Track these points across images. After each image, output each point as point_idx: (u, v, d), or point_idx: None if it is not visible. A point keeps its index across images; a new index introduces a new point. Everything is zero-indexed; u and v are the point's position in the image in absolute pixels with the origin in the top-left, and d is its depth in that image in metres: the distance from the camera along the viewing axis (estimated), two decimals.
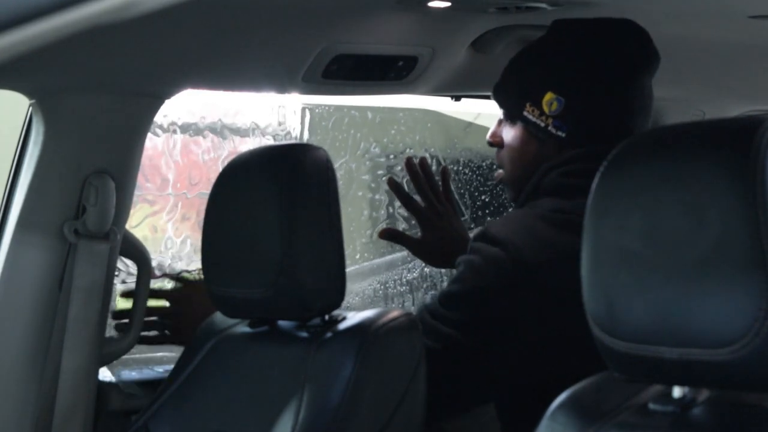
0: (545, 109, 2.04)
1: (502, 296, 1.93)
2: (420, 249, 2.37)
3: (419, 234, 2.38)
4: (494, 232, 1.97)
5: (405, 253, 3.05)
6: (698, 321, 1.18)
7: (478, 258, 1.96)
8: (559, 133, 2.04)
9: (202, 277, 2.07)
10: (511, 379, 1.99)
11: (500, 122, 2.15)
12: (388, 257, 3.23)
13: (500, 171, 2.17)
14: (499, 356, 1.95)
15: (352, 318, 1.93)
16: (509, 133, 2.12)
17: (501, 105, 2.14)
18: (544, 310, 1.91)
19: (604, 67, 2.03)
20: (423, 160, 2.39)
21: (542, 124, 2.05)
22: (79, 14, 0.78)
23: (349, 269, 2.04)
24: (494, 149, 2.17)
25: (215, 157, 2.84)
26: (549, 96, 2.04)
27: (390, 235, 2.41)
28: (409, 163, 2.37)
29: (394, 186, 2.38)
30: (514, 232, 1.96)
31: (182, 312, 2.36)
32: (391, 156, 3.18)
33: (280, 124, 2.96)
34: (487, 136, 2.16)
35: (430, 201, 2.36)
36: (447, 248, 2.32)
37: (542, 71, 2.06)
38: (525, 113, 2.06)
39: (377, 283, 3.26)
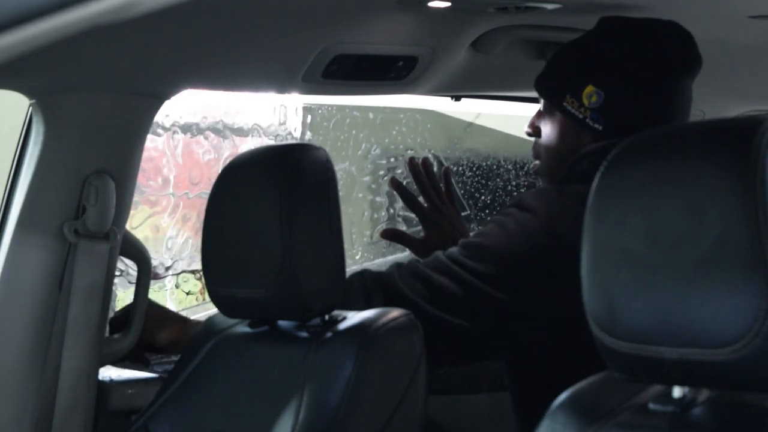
0: (585, 101, 2.06)
1: (529, 261, 1.96)
2: (422, 249, 2.37)
3: (421, 234, 2.38)
4: (528, 201, 2.00)
5: (407, 253, 3.05)
6: (698, 321, 1.18)
7: (510, 221, 1.99)
8: (596, 126, 2.06)
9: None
10: (525, 344, 2.00)
11: (539, 113, 2.17)
12: (390, 258, 3.23)
13: (536, 162, 2.18)
14: (518, 315, 1.96)
15: (352, 318, 1.93)
16: (547, 124, 2.14)
17: (542, 95, 2.16)
18: (569, 282, 1.91)
19: (648, 66, 2.05)
20: (425, 159, 2.39)
21: (580, 116, 2.07)
22: (79, 14, 0.78)
23: (349, 269, 2.04)
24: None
25: (216, 157, 2.84)
26: (589, 89, 2.06)
27: (391, 235, 2.42)
28: (411, 162, 2.37)
29: (396, 185, 2.38)
30: (548, 203, 1.99)
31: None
32: (392, 158, 3.18)
33: (281, 123, 2.96)
34: (526, 125, 2.18)
35: (432, 201, 2.36)
36: (448, 246, 2.33)
37: (585, 64, 2.08)
38: (564, 104, 2.09)
39: None
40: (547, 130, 2.14)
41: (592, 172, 2.01)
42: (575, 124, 2.08)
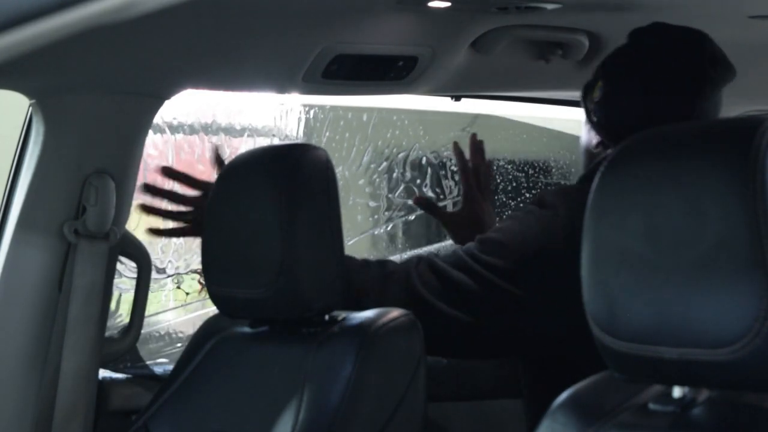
0: (594, 95, 2.07)
1: (547, 258, 1.97)
2: (452, 220, 2.41)
3: (457, 209, 2.43)
4: (550, 199, 2.03)
5: (397, 256, 3.05)
6: (698, 321, 1.18)
7: (530, 217, 2.02)
8: (594, 119, 2.07)
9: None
10: (535, 342, 2.02)
11: None
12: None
13: None
14: (531, 311, 1.98)
15: (352, 318, 1.93)
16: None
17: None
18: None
19: (659, 71, 2.04)
20: (477, 142, 2.43)
21: (590, 107, 2.09)
22: (79, 14, 0.78)
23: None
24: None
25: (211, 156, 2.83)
26: (598, 84, 2.08)
27: (425, 205, 2.49)
28: (456, 148, 2.41)
29: (458, 152, 2.42)
30: (568, 201, 2.00)
31: None
32: (384, 162, 3.18)
33: (276, 125, 2.96)
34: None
35: (478, 179, 2.40)
36: (479, 226, 2.35)
37: (602, 63, 2.11)
38: (586, 101, 2.11)
39: None
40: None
41: None
42: (588, 121, 2.11)
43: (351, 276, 2.01)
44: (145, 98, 2.16)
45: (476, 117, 3.27)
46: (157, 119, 2.33)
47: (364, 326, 1.89)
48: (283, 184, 1.90)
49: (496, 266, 1.99)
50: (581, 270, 1.28)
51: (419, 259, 2.08)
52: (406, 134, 3.22)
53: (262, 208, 1.91)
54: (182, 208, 2.26)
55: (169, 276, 2.75)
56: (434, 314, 1.98)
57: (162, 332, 2.78)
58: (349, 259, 2.05)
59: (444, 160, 3.28)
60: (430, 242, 3.24)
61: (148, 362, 2.47)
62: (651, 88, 2.04)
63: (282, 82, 2.25)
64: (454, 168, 3.26)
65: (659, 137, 1.31)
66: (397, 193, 3.16)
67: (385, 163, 3.17)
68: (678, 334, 1.19)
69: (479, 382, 2.65)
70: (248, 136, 2.89)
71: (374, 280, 2.04)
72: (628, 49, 2.08)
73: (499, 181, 3.33)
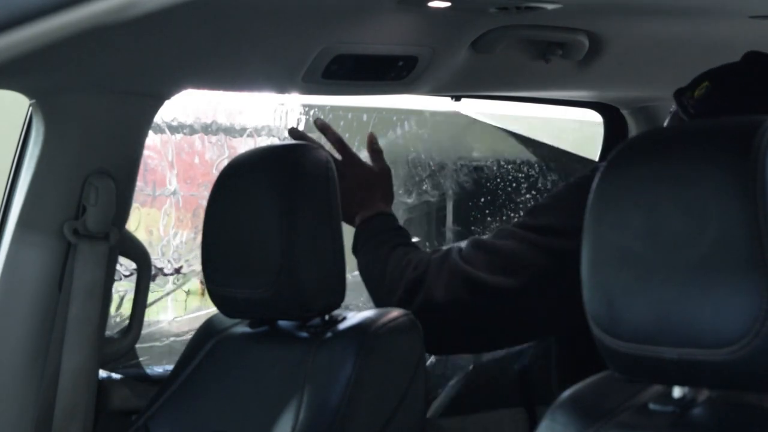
0: (696, 93, 2.06)
1: None
2: (345, 165, 2.33)
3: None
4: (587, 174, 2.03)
5: None
6: (698, 321, 1.18)
7: (578, 180, 2.03)
8: (691, 111, 2.04)
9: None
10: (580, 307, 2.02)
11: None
12: None
13: None
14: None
15: (352, 318, 1.94)
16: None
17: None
18: None
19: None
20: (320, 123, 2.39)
21: (689, 102, 2.06)
22: (79, 14, 0.78)
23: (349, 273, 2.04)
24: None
25: (211, 157, 2.84)
26: (705, 83, 2.06)
27: (322, 127, 2.39)
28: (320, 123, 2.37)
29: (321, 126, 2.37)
30: None
31: None
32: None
33: (276, 125, 2.96)
34: None
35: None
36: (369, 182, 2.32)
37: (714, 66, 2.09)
38: (682, 97, 2.08)
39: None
40: None
41: None
42: (683, 114, 2.07)
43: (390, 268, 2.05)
44: (145, 98, 2.16)
45: (476, 117, 3.27)
46: (157, 119, 2.33)
47: (364, 326, 1.89)
48: (283, 184, 1.90)
49: (545, 226, 2.00)
50: (581, 270, 1.28)
51: (459, 246, 2.09)
52: (405, 134, 3.22)
53: (262, 208, 1.91)
54: None
55: (168, 275, 2.75)
56: (479, 287, 1.99)
57: (162, 332, 2.78)
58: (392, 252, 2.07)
59: (445, 160, 3.28)
60: (430, 242, 3.24)
61: (147, 362, 2.47)
62: (755, 103, 2.03)
63: (282, 82, 2.25)
64: (454, 167, 3.26)
65: (659, 137, 1.31)
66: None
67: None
68: (678, 334, 1.19)
69: (479, 393, 2.64)
70: (248, 136, 2.90)
71: (417, 265, 2.06)
72: (742, 64, 2.07)
73: (498, 180, 3.33)
